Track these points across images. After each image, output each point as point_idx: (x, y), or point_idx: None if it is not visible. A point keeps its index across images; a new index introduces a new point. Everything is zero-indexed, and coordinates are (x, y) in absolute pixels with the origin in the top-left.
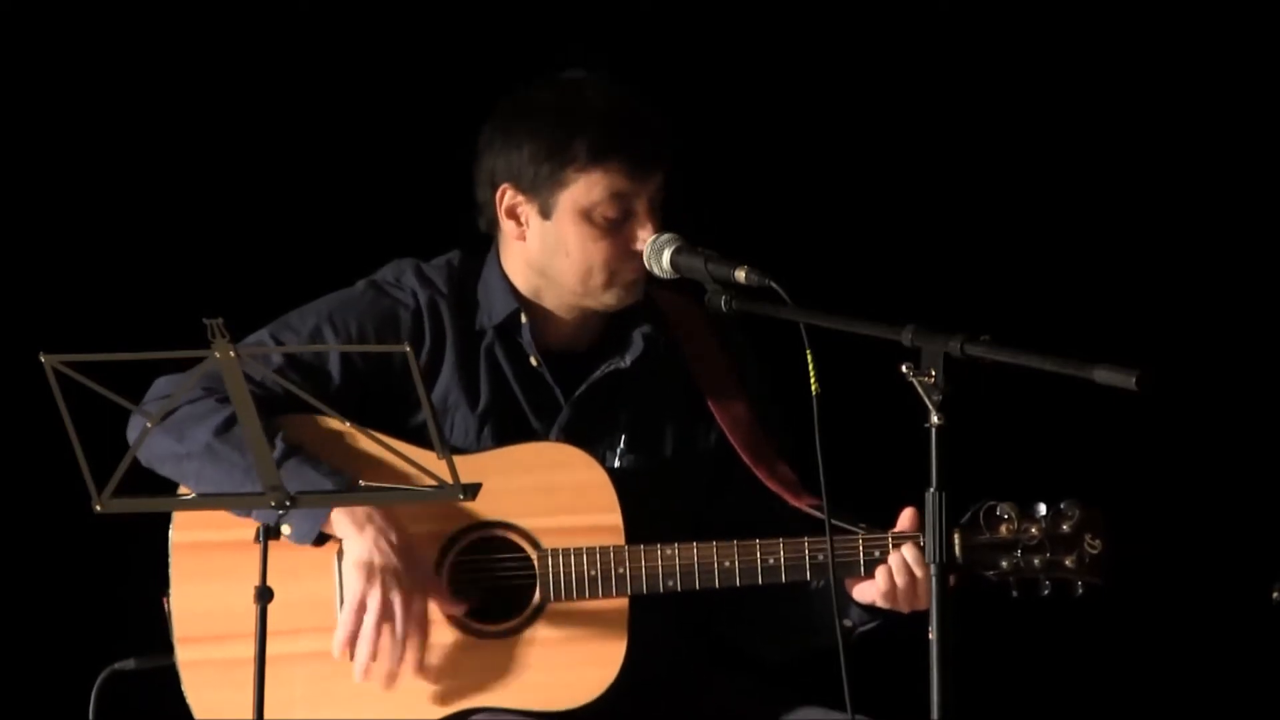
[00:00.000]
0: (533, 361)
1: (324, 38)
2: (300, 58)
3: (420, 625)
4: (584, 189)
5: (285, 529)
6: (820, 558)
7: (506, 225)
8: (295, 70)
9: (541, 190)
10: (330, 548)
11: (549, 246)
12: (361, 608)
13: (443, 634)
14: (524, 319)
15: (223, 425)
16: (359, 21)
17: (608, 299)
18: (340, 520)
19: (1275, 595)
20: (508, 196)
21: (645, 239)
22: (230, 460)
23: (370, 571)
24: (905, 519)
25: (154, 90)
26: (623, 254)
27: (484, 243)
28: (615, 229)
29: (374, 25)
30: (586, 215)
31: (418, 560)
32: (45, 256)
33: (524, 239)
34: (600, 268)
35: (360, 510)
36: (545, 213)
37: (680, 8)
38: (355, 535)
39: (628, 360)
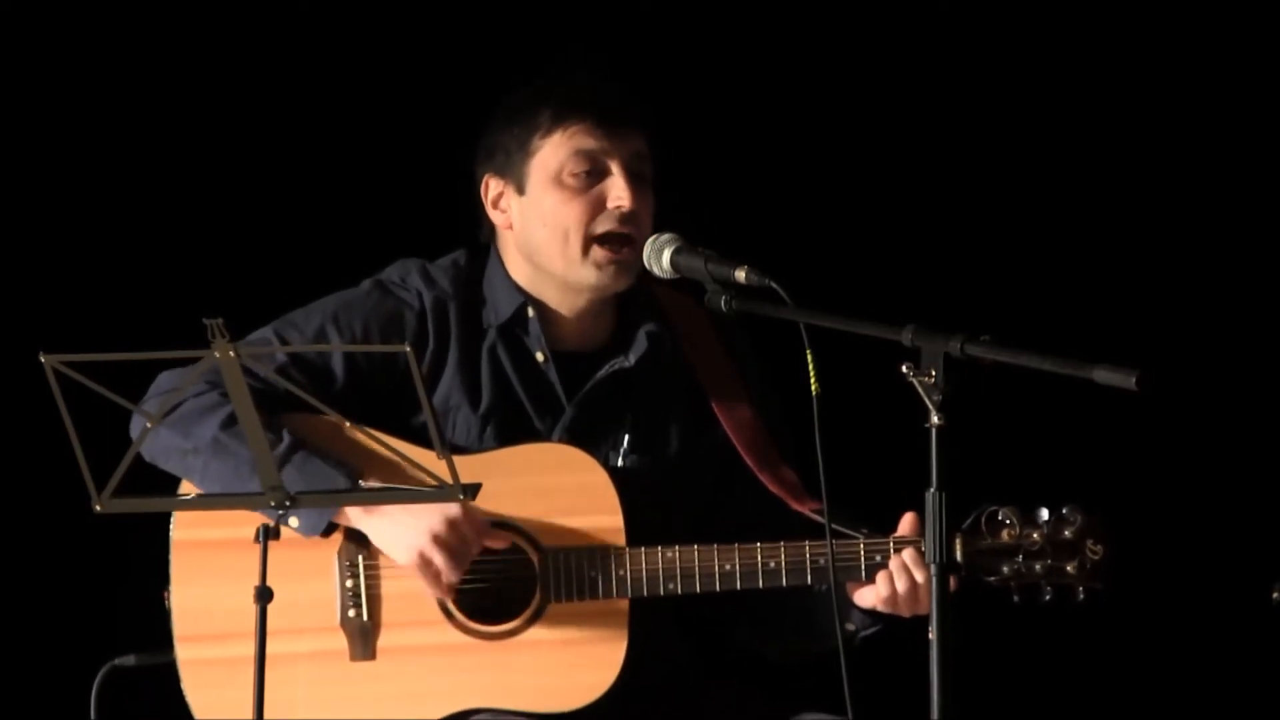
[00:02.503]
0: (539, 357)
1: (325, 37)
2: (302, 57)
3: (474, 534)
4: (550, 152)
5: (293, 521)
6: (821, 561)
7: (495, 217)
8: (297, 70)
9: (515, 167)
10: (331, 548)
11: (529, 223)
12: (425, 563)
13: (442, 634)
14: (531, 313)
15: (229, 419)
16: (360, 20)
17: (589, 274)
18: (350, 509)
19: (1275, 595)
20: (492, 187)
21: (621, 198)
22: (238, 455)
23: (405, 544)
24: (905, 524)
25: (155, 90)
26: (597, 212)
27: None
28: (586, 189)
29: (376, 24)
30: (557, 179)
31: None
32: (45, 256)
33: (511, 226)
34: (575, 229)
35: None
36: (521, 188)
37: (680, 8)
38: (366, 520)
39: (631, 359)
